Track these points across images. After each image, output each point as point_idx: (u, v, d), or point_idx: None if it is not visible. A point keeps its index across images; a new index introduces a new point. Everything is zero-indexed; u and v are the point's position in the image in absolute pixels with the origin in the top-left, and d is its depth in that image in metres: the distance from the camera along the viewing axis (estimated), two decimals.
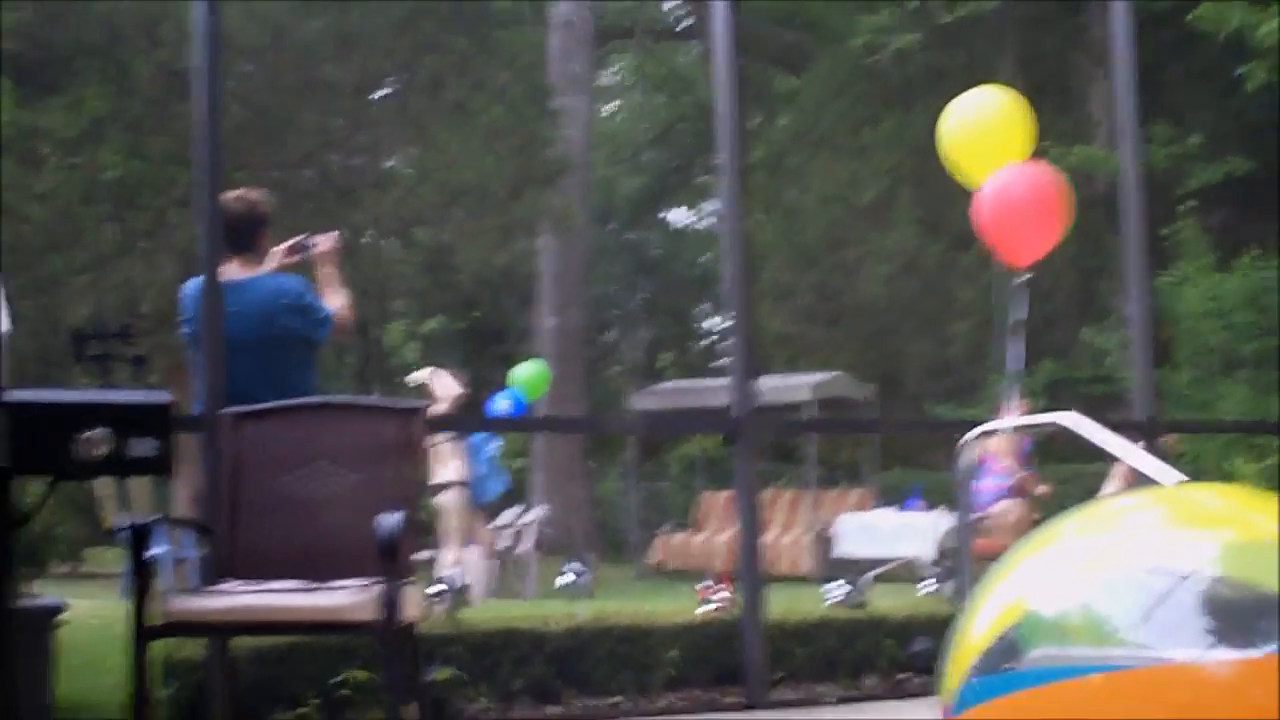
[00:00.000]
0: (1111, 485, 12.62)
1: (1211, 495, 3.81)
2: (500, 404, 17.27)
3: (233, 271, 6.92)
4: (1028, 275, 7.88)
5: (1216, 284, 17.84)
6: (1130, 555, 3.33)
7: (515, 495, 24.23)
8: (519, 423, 14.74)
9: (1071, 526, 3.63)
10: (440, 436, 14.75)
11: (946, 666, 3.57)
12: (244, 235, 7.03)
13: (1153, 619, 3.17)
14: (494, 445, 16.08)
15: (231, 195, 7.05)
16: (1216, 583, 3.20)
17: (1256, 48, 18.19)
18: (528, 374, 17.70)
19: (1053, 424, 7.82)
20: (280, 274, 7.14)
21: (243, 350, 6.69)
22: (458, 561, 14.12)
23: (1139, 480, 11.73)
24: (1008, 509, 12.83)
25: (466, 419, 13.45)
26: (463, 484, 14.80)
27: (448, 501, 14.76)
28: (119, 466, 5.08)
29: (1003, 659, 3.34)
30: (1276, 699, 3.07)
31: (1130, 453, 6.85)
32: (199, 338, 6.72)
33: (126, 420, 4.96)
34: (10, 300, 4.94)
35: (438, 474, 14.86)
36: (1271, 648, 3.09)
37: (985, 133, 7.67)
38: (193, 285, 6.91)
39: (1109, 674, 3.15)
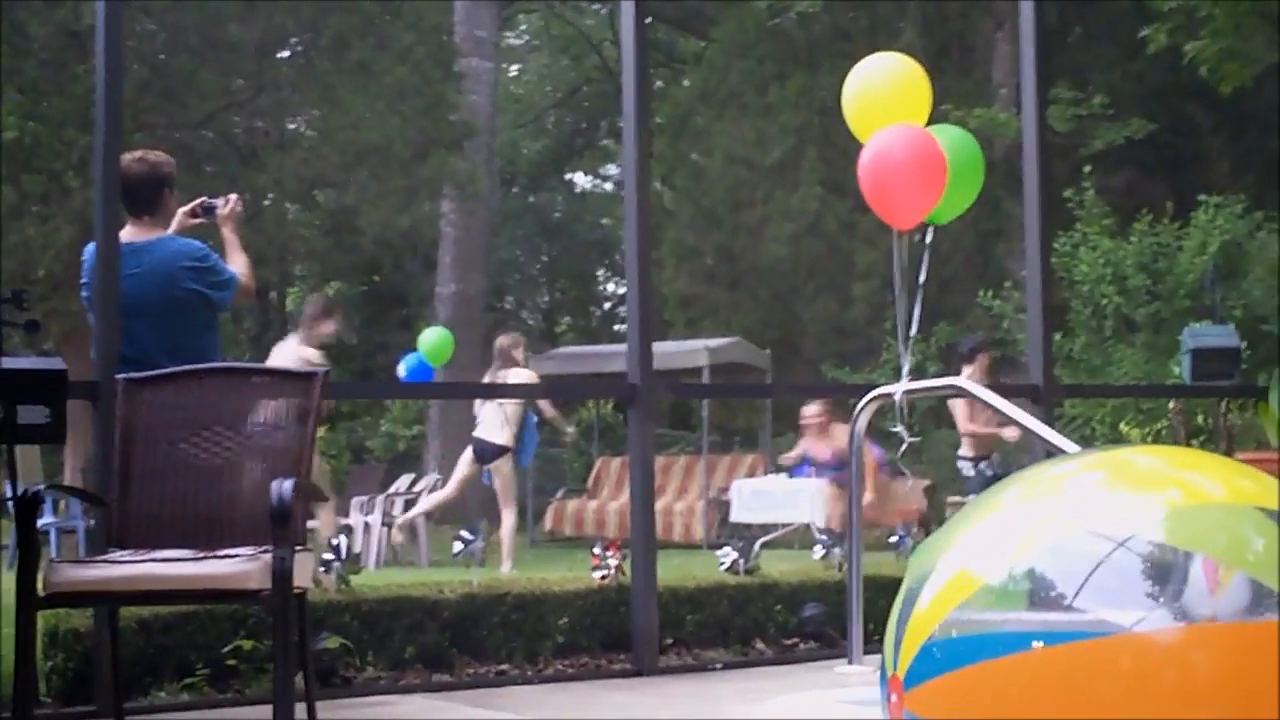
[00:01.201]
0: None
1: (1154, 458, 3.80)
2: (399, 369, 17.20)
3: (133, 234, 6.88)
4: (928, 237, 7.93)
5: (1111, 249, 18.03)
6: (1072, 521, 3.34)
7: (408, 463, 24.16)
8: (415, 389, 14.68)
9: (1013, 494, 3.63)
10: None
11: (894, 639, 3.52)
12: (144, 198, 6.97)
13: (1096, 585, 3.20)
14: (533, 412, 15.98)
15: (132, 157, 6.99)
16: (1157, 547, 3.23)
17: (1157, 11, 18.35)
18: (432, 341, 17.63)
19: (945, 389, 7.92)
20: (181, 236, 7.10)
21: (143, 314, 6.65)
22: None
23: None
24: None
25: (366, 385, 13.38)
26: (512, 450, 14.64)
27: (500, 467, 14.60)
28: (9, 434, 5.05)
29: (956, 632, 3.33)
30: (1218, 665, 3.13)
31: (1021, 417, 6.94)
32: (92, 303, 6.68)
33: (17, 387, 4.93)
34: None
35: (492, 435, 14.65)
36: (1211, 614, 3.14)
37: (880, 99, 7.71)
38: (89, 250, 6.86)
39: (1056, 646, 3.17)
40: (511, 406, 14.27)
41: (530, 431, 15.45)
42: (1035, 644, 3.20)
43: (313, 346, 12.51)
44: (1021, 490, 3.64)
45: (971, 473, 13.16)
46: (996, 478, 13.46)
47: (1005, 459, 13.16)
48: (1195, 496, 3.42)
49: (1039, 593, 3.25)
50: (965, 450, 13.11)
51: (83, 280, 7.02)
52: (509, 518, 14.37)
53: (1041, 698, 3.18)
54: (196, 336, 6.90)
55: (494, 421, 14.42)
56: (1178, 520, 3.32)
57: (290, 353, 12.50)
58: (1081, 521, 3.34)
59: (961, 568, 3.44)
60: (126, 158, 6.87)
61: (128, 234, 6.84)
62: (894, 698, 3.47)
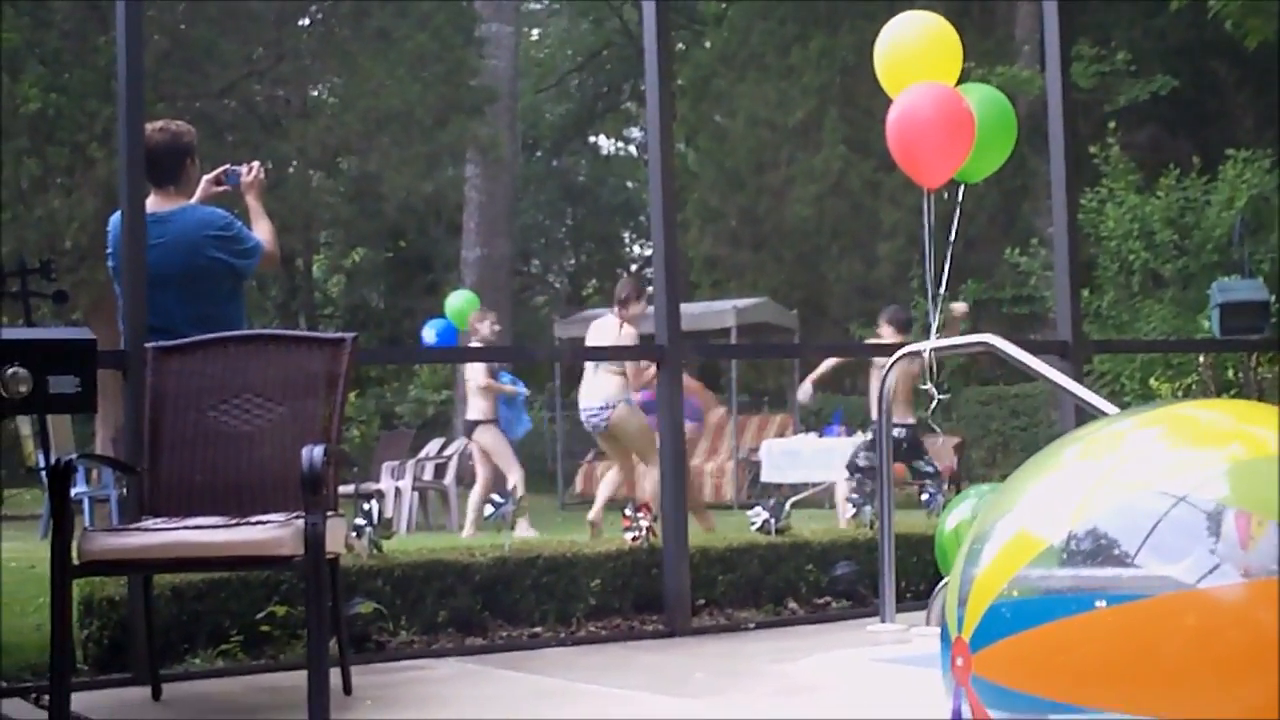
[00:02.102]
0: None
1: (1216, 412, 3.70)
2: (427, 334, 17.23)
3: (157, 204, 6.88)
4: (959, 196, 7.93)
5: (1138, 204, 17.95)
6: (1134, 478, 3.26)
7: (438, 428, 24.18)
8: (443, 354, 14.69)
9: (1072, 452, 3.53)
10: (480, 373, 14.72)
11: (957, 601, 3.43)
12: (167, 167, 6.97)
13: (1158, 542, 3.11)
14: (521, 387, 16.02)
15: (154, 126, 6.98)
16: (1219, 502, 3.13)
17: None
18: (458, 305, 17.66)
19: (975, 345, 7.89)
20: (205, 205, 7.11)
21: (167, 283, 6.65)
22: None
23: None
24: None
25: (394, 350, 13.38)
26: (486, 421, 14.79)
27: (479, 438, 14.70)
28: (40, 404, 5.05)
29: (1022, 593, 3.24)
30: None
31: (1051, 374, 6.92)
32: (118, 273, 6.69)
33: (48, 358, 4.94)
34: None
35: (467, 413, 14.74)
36: (1275, 569, 3.04)
37: (911, 58, 7.69)
38: (114, 220, 6.87)
39: (1121, 605, 3.10)
40: (476, 380, 14.44)
41: (516, 406, 15.49)
42: (1099, 604, 3.13)
43: (630, 325, 12.94)
44: (1080, 448, 3.55)
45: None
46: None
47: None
48: (1258, 450, 3.30)
49: (1102, 552, 3.18)
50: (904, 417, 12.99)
51: (108, 250, 7.03)
52: (511, 480, 14.43)
53: (1109, 657, 3.12)
54: (221, 305, 6.91)
55: (470, 399, 14.60)
56: (1240, 475, 3.22)
57: (612, 330, 13.01)
58: (1143, 478, 3.26)
59: (1024, 527, 3.37)
60: (148, 128, 6.86)
61: (151, 204, 6.83)
62: (959, 661, 3.39)
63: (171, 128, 7.10)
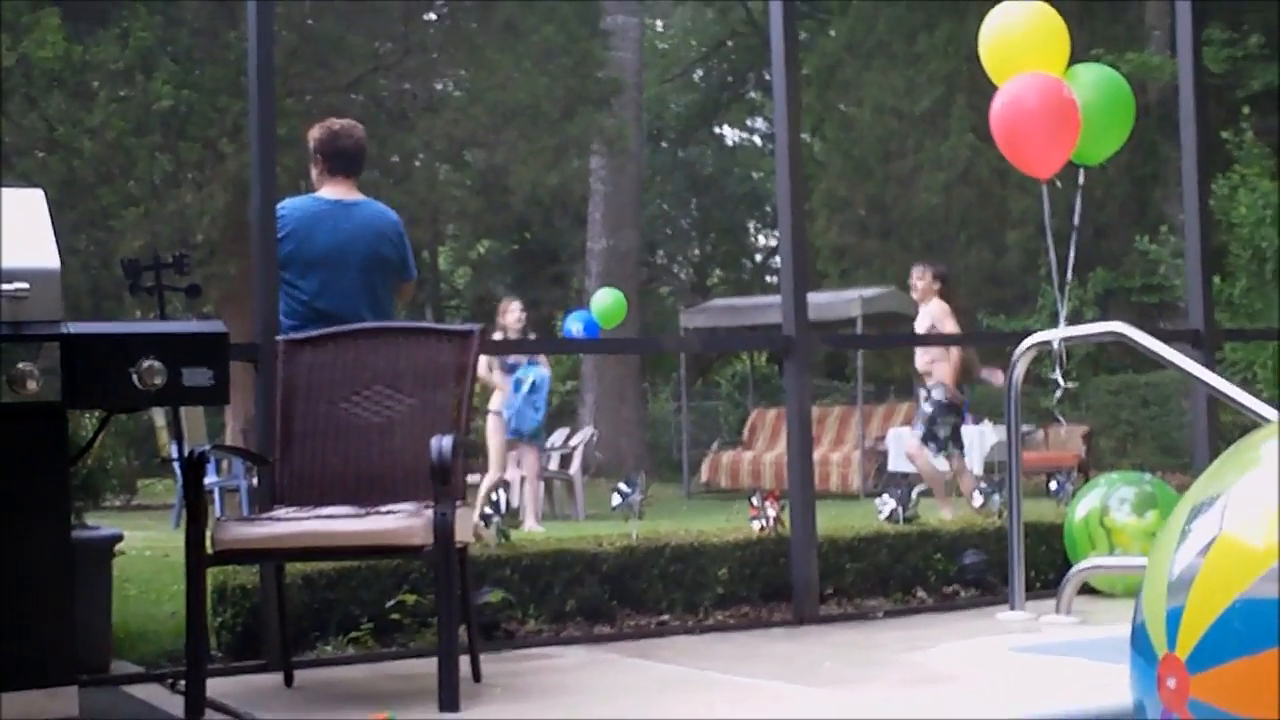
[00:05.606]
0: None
1: None
2: (573, 326, 17.27)
3: (343, 193, 7.20)
4: (1080, 180, 7.87)
5: (1271, 190, 17.71)
6: None
7: (564, 418, 24.29)
8: (570, 344, 14.71)
9: (1271, 446, 3.16)
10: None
11: (1165, 611, 3.07)
12: (357, 161, 7.32)
13: None
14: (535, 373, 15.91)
15: (347, 122, 7.40)
16: None
17: None
18: (606, 303, 17.69)
19: (1103, 334, 7.83)
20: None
21: (348, 268, 7.02)
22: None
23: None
24: None
25: (526, 341, 13.43)
26: (492, 411, 14.90)
27: (481, 427, 14.84)
28: (174, 397, 5.13)
29: (1257, 608, 2.89)
30: None
31: (1183, 362, 6.85)
32: (295, 256, 6.89)
33: (181, 350, 5.01)
34: (58, 235, 4.99)
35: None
36: None
37: (1016, 47, 7.64)
38: (292, 204, 7.11)
39: None
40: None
41: (525, 397, 15.31)
42: None
43: None
44: None
45: None
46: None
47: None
48: None
49: None
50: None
51: (280, 235, 7.06)
52: (481, 477, 14.63)
53: None
54: (387, 297, 7.23)
55: None
56: None
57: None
58: None
59: (1237, 533, 3.03)
60: (343, 122, 7.34)
61: (338, 192, 7.20)
62: (1172, 682, 3.02)
63: (358, 127, 7.41)
